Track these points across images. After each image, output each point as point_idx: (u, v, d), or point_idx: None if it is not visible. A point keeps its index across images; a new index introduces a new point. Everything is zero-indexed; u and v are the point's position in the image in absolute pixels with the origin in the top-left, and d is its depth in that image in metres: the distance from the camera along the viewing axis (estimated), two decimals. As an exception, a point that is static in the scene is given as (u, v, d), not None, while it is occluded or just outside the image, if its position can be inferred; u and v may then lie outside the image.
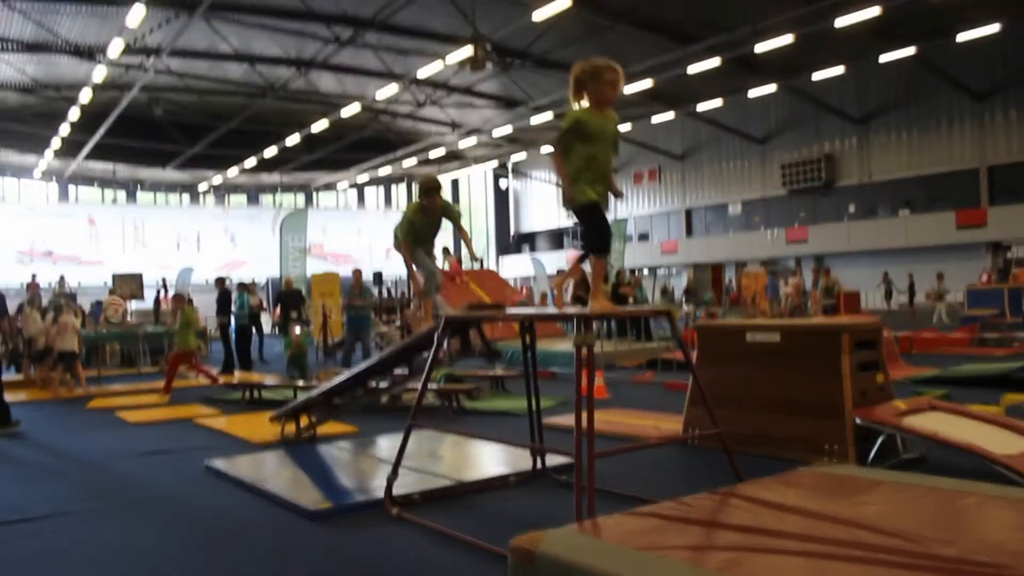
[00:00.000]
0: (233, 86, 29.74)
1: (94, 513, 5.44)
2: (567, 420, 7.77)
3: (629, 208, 40.67)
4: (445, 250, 21.58)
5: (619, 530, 3.54)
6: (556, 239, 46.66)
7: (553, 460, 6.02)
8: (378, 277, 30.56)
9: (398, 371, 7.32)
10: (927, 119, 28.72)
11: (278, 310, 16.22)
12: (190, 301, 14.32)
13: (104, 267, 37.03)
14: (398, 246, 7.04)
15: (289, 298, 16.02)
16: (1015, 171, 26.82)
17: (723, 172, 36.13)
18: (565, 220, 44.58)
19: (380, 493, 5.31)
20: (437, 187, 6.77)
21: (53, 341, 12.50)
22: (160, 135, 32.49)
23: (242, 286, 16.34)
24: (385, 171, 42.61)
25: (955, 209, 27.77)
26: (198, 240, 42.46)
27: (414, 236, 6.94)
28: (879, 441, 6.04)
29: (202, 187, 43.10)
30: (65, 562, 4.48)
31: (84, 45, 23.94)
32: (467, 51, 21.46)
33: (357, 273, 15.34)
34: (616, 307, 6.21)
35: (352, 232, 46.14)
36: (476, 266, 22.13)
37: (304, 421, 7.89)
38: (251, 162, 35.63)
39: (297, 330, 14.47)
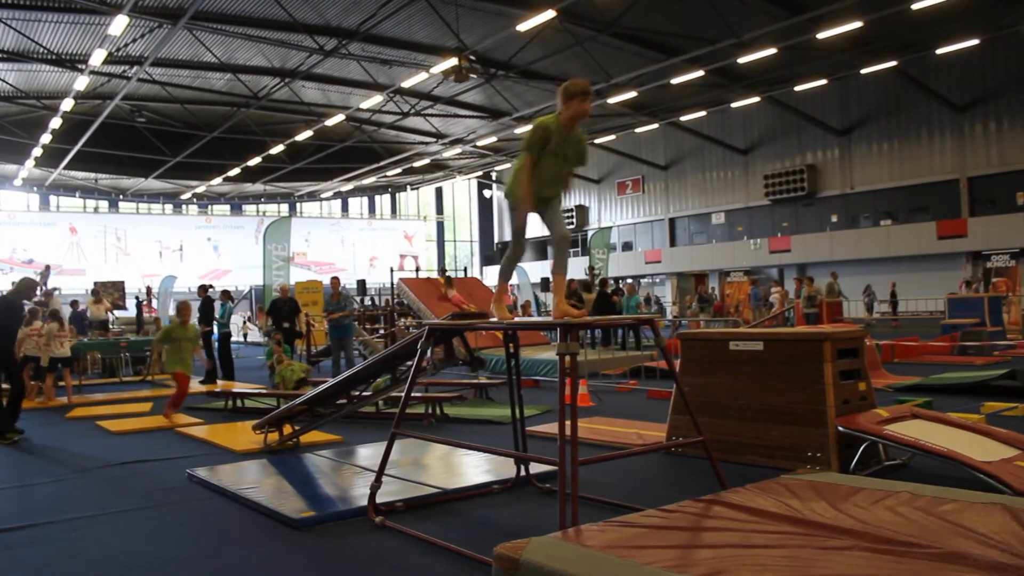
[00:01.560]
0: (216, 95, 29.65)
1: (74, 523, 5.39)
2: (551, 428, 7.79)
3: (613, 217, 40.79)
4: (448, 278, 20.50)
5: (603, 538, 3.54)
6: (540, 248, 46.72)
7: (537, 468, 6.01)
8: (362, 285, 30.47)
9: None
10: (908, 130, 28.96)
11: (267, 319, 15.95)
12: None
13: (86, 276, 36.78)
14: (513, 201, 4.97)
15: (284, 307, 15.71)
16: (994, 182, 27.09)
17: (706, 182, 36.31)
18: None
19: (363, 502, 5.29)
20: (588, 90, 4.80)
21: (42, 348, 12.39)
22: (143, 144, 32.33)
23: (225, 294, 16.25)
24: (369, 180, 42.56)
25: (936, 219, 28.02)
26: (181, 249, 42.24)
27: (539, 178, 4.82)
28: (861, 448, 6.07)
29: (185, 196, 42.91)
30: (45, 574, 4.43)
31: (66, 54, 23.82)
32: (451, 62, 21.50)
33: (335, 281, 15.28)
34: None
35: (335, 241, 46.04)
36: None
37: (287, 430, 7.86)
38: (234, 171, 35.50)
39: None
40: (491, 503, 5.62)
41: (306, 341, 18.15)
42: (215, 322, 15.54)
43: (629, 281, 26.56)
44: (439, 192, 50.31)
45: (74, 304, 22.24)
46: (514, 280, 41.27)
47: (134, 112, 30.33)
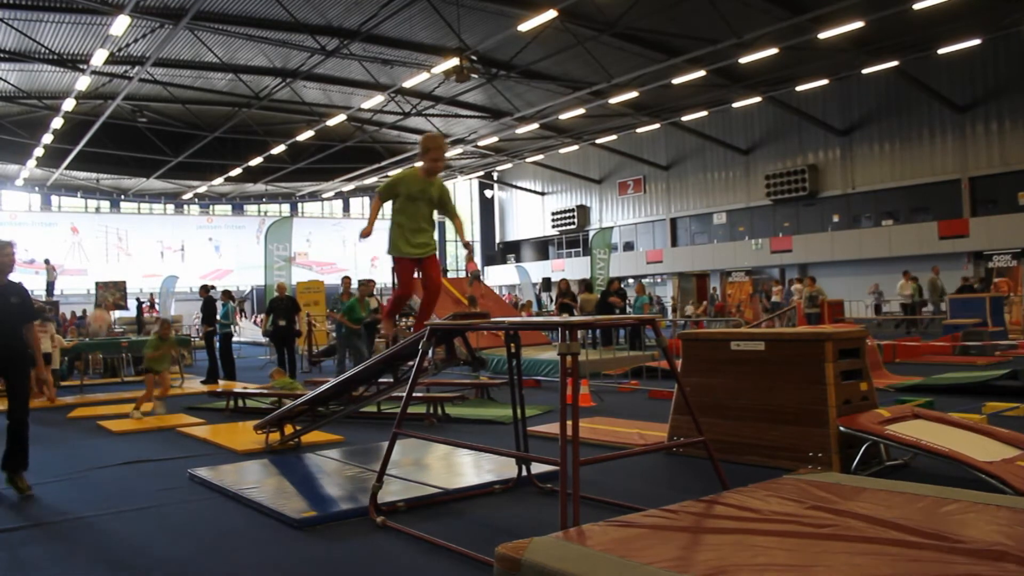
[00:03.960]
0: (218, 96, 29.67)
1: (75, 523, 5.39)
2: (552, 428, 7.79)
3: (614, 217, 40.78)
4: (475, 274, 20.82)
5: (604, 538, 3.54)
6: (541, 248, 46.72)
7: (538, 468, 6.01)
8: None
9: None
10: (909, 130, 28.93)
11: (267, 318, 15.85)
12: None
13: (87, 276, 36.82)
14: None
15: (281, 305, 15.60)
16: (996, 182, 27.06)
17: (708, 182, 36.29)
18: (549, 229, 44.67)
19: (365, 501, 5.29)
20: None
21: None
22: (144, 144, 32.36)
23: (226, 294, 16.25)
24: (370, 180, 42.57)
25: (937, 219, 28.00)
26: (182, 249, 42.27)
27: None
28: (863, 449, 6.07)
29: (186, 196, 42.95)
30: (45, 574, 4.43)
31: (68, 54, 23.84)
32: (452, 62, 21.50)
33: (346, 281, 15.30)
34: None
35: (337, 241, 46.05)
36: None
37: (288, 430, 7.86)
38: (236, 171, 35.53)
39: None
40: (492, 503, 5.62)
41: (307, 341, 18.16)
42: (217, 323, 15.54)
43: (634, 282, 26.58)
44: (440, 192, 50.30)
45: (72, 315, 22.34)
46: (515, 280, 41.32)
47: (136, 112, 30.35)
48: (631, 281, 35.33)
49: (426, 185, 6.31)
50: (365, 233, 6.26)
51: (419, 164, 6.38)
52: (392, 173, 5.80)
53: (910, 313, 23.23)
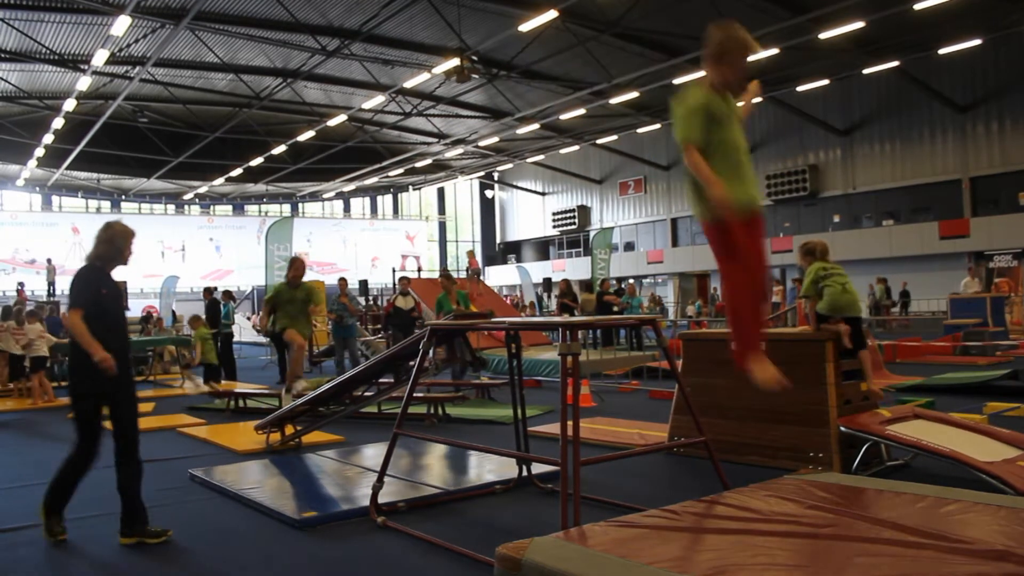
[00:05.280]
0: (218, 96, 29.67)
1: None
2: (552, 428, 7.79)
3: (615, 217, 40.77)
4: (470, 253, 21.41)
5: (604, 538, 3.54)
6: (542, 248, 46.72)
7: (539, 468, 6.01)
8: (364, 285, 30.50)
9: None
10: (910, 130, 28.94)
11: (268, 317, 15.76)
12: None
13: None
14: None
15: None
16: (997, 182, 27.06)
17: (708, 182, 36.25)
18: (550, 229, 44.66)
19: (366, 502, 5.29)
20: None
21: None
22: (145, 144, 32.36)
23: (227, 294, 16.25)
24: (371, 181, 42.57)
25: (938, 219, 28.00)
26: (183, 249, 42.25)
27: None
28: (863, 449, 6.07)
29: (187, 196, 42.95)
30: (45, 573, 4.43)
31: (68, 54, 23.84)
32: (453, 62, 21.49)
33: (343, 282, 15.36)
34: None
35: (338, 241, 46.02)
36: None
37: (289, 430, 7.86)
38: (236, 172, 35.53)
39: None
40: (493, 503, 5.62)
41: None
42: (220, 324, 15.55)
43: (631, 281, 26.60)
44: (441, 192, 50.31)
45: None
46: (517, 280, 41.31)
47: (136, 112, 30.36)
48: (631, 281, 35.36)
49: (731, 104, 4.30)
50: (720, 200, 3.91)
51: (706, 80, 4.35)
52: (690, 87, 4.22)
53: (875, 314, 23.33)
